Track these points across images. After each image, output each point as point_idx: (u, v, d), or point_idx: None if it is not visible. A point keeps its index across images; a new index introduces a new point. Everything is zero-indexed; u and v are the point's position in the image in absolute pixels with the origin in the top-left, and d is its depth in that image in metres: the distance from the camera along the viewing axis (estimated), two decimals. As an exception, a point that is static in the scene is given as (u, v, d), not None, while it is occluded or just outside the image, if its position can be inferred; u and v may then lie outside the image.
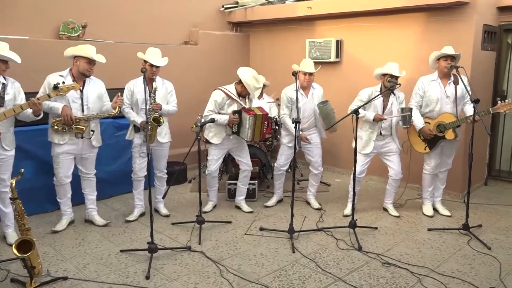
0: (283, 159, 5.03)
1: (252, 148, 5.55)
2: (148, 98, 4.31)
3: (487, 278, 3.51)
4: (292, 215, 4.19)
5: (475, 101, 4.08)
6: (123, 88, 4.55)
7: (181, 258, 3.85)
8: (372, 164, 4.85)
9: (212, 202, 5.04)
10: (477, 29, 5.19)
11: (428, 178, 4.87)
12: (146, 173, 4.71)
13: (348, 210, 4.90)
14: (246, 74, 4.54)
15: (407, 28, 5.68)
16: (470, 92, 4.29)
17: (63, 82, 3.91)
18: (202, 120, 4.45)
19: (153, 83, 4.40)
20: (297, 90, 4.35)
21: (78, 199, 4.65)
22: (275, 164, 5.11)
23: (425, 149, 4.71)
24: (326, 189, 5.89)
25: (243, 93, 4.64)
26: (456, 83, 4.54)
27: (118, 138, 5.24)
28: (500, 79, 5.79)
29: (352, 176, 4.50)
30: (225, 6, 7.32)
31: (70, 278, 3.47)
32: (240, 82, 4.58)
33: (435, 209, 4.95)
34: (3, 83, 3.81)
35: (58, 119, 4.14)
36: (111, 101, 4.32)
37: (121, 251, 3.96)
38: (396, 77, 4.41)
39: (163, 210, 4.90)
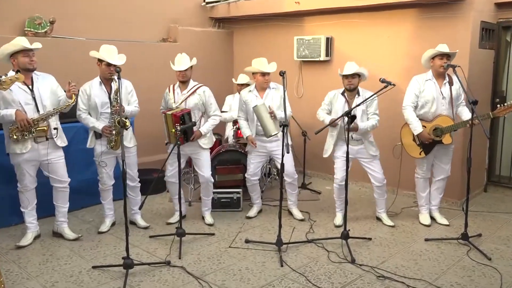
0: (252, 168, 5.03)
1: (235, 153, 5.56)
2: (109, 101, 4.29)
3: (487, 290, 3.57)
4: (280, 226, 4.20)
5: (473, 103, 4.13)
6: None
7: (159, 274, 3.82)
8: (365, 171, 4.89)
9: (178, 213, 4.89)
10: (474, 26, 5.30)
11: (421, 183, 4.93)
12: (114, 181, 4.71)
13: (338, 220, 4.94)
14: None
15: (401, 25, 5.77)
16: (467, 93, 4.35)
17: (6, 75, 3.71)
18: (176, 125, 4.44)
19: (112, 84, 4.38)
20: (284, 91, 4.38)
21: (46, 210, 4.59)
22: (246, 175, 5.12)
23: (420, 154, 4.77)
24: (316, 197, 5.92)
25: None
26: (451, 83, 4.62)
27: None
28: (499, 79, 5.90)
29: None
30: (206, 1, 7.34)
31: (37, 298, 3.42)
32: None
33: (432, 218, 5.01)
34: None
35: (14, 126, 4.03)
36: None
37: (93, 267, 3.92)
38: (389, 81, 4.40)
39: (141, 222, 4.87)
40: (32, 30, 5.43)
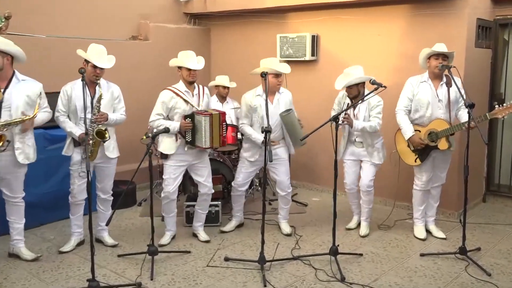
0: (241, 177, 5.04)
1: (214, 162, 5.54)
2: (90, 106, 4.25)
3: (487, 309, 3.62)
4: (262, 242, 4.19)
5: (470, 106, 4.20)
6: (59, 92, 4.46)
7: (129, 297, 3.78)
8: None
9: (170, 232, 4.91)
10: (470, 24, 5.41)
11: (419, 195, 4.99)
12: (87, 195, 4.61)
13: (352, 223, 5.24)
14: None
15: (393, 22, 5.85)
16: (464, 96, 4.43)
17: None
18: (154, 130, 4.41)
19: (97, 88, 4.33)
20: (266, 95, 4.38)
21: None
22: (233, 184, 5.12)
23: (415, 161, 4.83)
24: (303, 210, 5.94)
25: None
26: (449, 85, 4.69)
27: (50, 152, 5.11)
28: (496, 80, 6.02)
29: (333, 191, 4.54)
30: (181, -5, 7.35)
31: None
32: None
33: (428, 231, 5.07)
34: None
35: None
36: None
37: (54, 291, 3.85)
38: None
39: (109, 240, 4.81)
40: (-15, 26, 5.34)
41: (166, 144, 4.64)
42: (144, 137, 4.34)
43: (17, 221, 4.41)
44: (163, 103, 4.56)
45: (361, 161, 5.00)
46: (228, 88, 6.24)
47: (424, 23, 5.60)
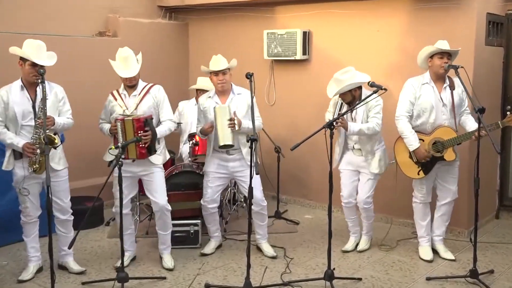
0: (209, 193, 5.01)
1: (191, 175, 5.53)
2: (32, 111, 4.22)
3: None
4: (248, 266, 4.17)
5: (480, 111, 4.22)
6: None
7: (95, 331, 3.74)
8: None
9: (127, 253, 4.82)
10: (479, 19, 5.47)
11: (420, 209, 5.01)
12: (41, 211, 4.59)
13: (349, 244, 5.22)
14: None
15: (393, 17, 5.90)
16: (472, 100, 4.46)
17: None
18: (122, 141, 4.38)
19: (37, 90, 4.29)
20: (252, 97, 4.41)
21: None
22: (202, 202, 5.09)
23: (418, 174, 4.85)
24: (293, 229, 5.93)
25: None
26: (452, 87, 4.74)
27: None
28: (509, 82, 6.07)
29: (328, 207, 4.56)
30: (155, -14, 7.36)
31: None
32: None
33: (434, 251, 5.08)
34: None
35: None
36: None
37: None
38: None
39: (75, 266, 4.75)
40: None
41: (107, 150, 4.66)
42: (113, 147, 4.31)
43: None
44: (105, 107, 4.74)
45: (359, 172, 5.03)
46: (204, 91, 6.22)
47: (428, 18, 5.65)
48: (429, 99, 4.73)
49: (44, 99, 4.09)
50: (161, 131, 4.64)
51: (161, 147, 4.73)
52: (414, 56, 4.90)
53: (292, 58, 6.49)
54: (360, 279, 4.57)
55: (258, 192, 4.95)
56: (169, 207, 4.80)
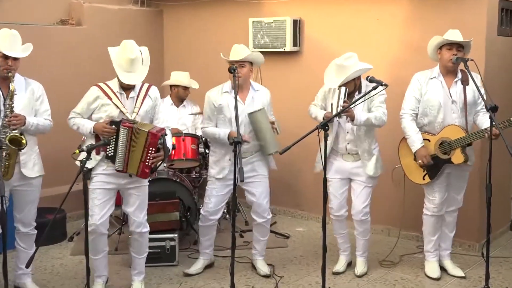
0: (213, 203, 4.98)
1: (167, 183, 5.52)
2: (1, 108, 4.19)
3: None
4: (232, 285, 4.16)
5: (492, 109, 4.22)
6: None
7: None
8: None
9: (101, 279, 4.69)
10: (491, 7, 5.51)
11: (431, 222, 5.02)
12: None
13: (339, 265, 5.15)
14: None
15: (395, 4, 5.94)
16: (483, 97, 4.49)
17: None
18: (89, 143, 4.33)
19: (10, 85, 4.27)
20: (235, 92, 4.40)
21: None
22: (202, 211, 5.08)
23: (424, 179, 4.88)
24: (284, 244, 5.94)
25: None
26: (465, 82, 4.76)
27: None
28: (525, 77, 6.15)
29: (322, 219, 4.56)
30: (124, -33, 7.35)
31: None
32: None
33: (442, 268, 5.11)
34: None
35: None
36: None
37: None
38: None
39: (32, 287, 4.71)
40: None
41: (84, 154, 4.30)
42: (77, 151, 4.27)
43: None
44: (87, 103, 4.47)
45: (351, 180, 4.99)
46: (188, 89, 6.23)
47: (434, 6, 5.69)
48: (436, 95, 4.76)
49: (11, 94, 4.15)
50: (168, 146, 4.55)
51: None
52: (419, 48, 4.93)
53: (281, 49, 6.50)
54: (358, 299, 4.60)
55: (265, 202, 5.01)
56: (147, 227, 4.67)
